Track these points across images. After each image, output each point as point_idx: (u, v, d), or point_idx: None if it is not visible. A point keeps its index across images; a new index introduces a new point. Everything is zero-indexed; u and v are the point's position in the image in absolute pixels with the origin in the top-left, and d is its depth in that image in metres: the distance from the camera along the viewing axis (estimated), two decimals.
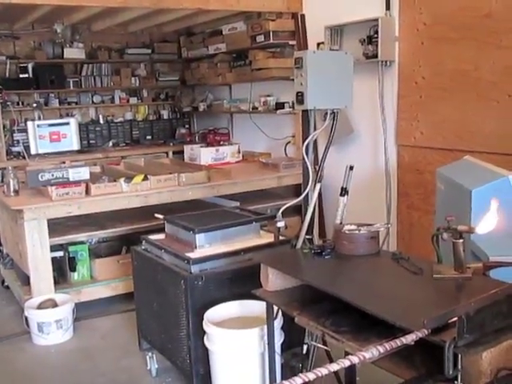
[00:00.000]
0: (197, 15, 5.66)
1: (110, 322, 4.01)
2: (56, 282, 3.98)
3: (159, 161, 5.66)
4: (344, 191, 2.68)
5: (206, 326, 2.58)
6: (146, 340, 3.33)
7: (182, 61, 7.20)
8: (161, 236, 3.24)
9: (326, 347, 2.48)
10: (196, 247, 2.93)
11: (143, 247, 3.22)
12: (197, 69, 6.78)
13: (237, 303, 2.75)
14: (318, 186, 2.66)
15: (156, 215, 3.34)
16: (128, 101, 7.14)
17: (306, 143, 2.69)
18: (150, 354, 3.22)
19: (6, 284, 4.66)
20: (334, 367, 1.36)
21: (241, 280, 2.76)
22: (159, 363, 3.22)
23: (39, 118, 6.35)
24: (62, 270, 4.19)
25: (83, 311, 3.97)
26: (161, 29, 6.66)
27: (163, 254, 3.00)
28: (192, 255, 2.84)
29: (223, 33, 6.01)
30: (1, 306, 4.33)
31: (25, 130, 5.98)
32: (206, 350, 2.64)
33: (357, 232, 2.28)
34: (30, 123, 5.92)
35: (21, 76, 6.29)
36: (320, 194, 2.72)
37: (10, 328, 3.89)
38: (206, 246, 2.95)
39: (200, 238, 2.94)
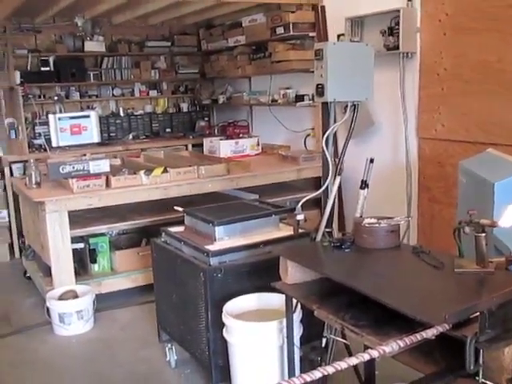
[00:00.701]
0: (216, 7, 5.64)
1: (130, 314, 4.04)
2: (77, 274, 4.02)
3: (179, 153, 5.68)
4: (364, 184, 2.66)
5: (225, 319, 2.59)
6: (165, 331, 3.36)
7: (201, 53, 7.19)
8: (180, 228, 3.25)
9: (345, 341, 2.47)
10: (215, 240, 2.93)
11: (163, 239, 3.24)
12: (216, 61, 6.77)
13: (255, 296, 2.75)
14: (337, 179, 2.65)
15: (176, 208, 3.36)
16: (148, 93, 7.16)
17: (325, 136, 2.67)
18: (169, 345, 3.24)
19: (27, 275, 4.72)
20: (354, 361, 1.35)
21: (259, 273, 2.76)
22: (178, 354, 3.24)
23: (60, 111, 6.40)
24: (83, 262, 4.23)
25: (103, 302, 4.01)
26: (181, 21, 6.66)
27: (183, 247, 3.01)
28: (211, 248, 2.85)
29: (243, 25, 5.98)
30: (23, 297, 4.39)
31: (46, 123, 6.02)
32: (225, 342, 2.65)
33: (377, 225, 2.27)
34: (51, 116, 5.97)
35: (42, 69, 6.33)
36: (340, 187, 2.70)
37: (31, 318, 3.95)
38: (225, 238, 2.96)
39: (219, 230, 2.95)
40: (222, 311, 2.64)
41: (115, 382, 3.15)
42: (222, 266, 2.76)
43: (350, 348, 2.60)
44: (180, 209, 3.30)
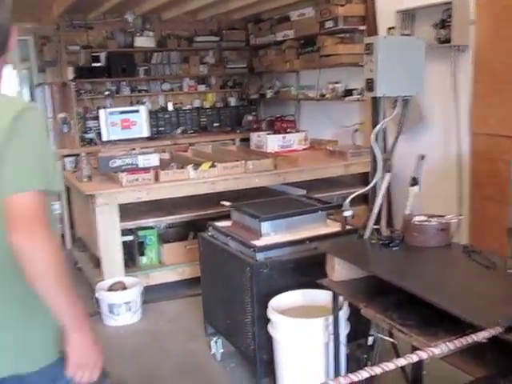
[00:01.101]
0: (265, 2, 5.63)
1: (177, 306, 4.10)
2: (126, 266, 4.10)
3: (226, 148, 5.71)
4: (414, 181, 2.61)
5: (271, 314, 2.59)
6: (211, 325, 3.39)
7: (249, 48, 7.19)
8: (227, 223, 3.26)
9: (392, 340, 2.43)
10: (261, 235, 2.94)
11: (210, 234, 3.26)
12: (264, 56, 6.76)
13: (301, 292, 2.74)
14: (387, 176, 2.60)
15: (223, 203, 3.38)
16: (196, 88, 7.21)
17: (375, 131, 2.63)
18: (214, 338, 3.27)
19: (78, 266, 4.84)
20: (402, 362, 1.32)
21: (305, 269, 2.75)
22: (224, 348, 3.26)
23: (111, 106, 6.54)
24: (132, 254, 4.31)
25: (151, 294, 4.07)
26: (229, 16, 6.68)
27: (229, 241, 3.02)
28: (257, 243, 2.85)
29: (291, 19, 5.95)
30: (73, 287, 4.50)
31: (97, 118, 6.17)
32: (270, 337, 2.65)
33: (427, 223, 2.22)
34: (102, 111, 6.11)
35: (94, 65, 6.47)
36: (388, 184, 2.66)
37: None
38: (272, 233, 2.96)
39: (266, 225, 2.95)
40: (267, 306, 2.64)
41: (162, 372, 3.21)
42: (267, 262, 2.76)
43: (397, 347, 2.56)
44: (227, 203, 3.31)
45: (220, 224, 3.25)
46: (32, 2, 5.03)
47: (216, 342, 3.26)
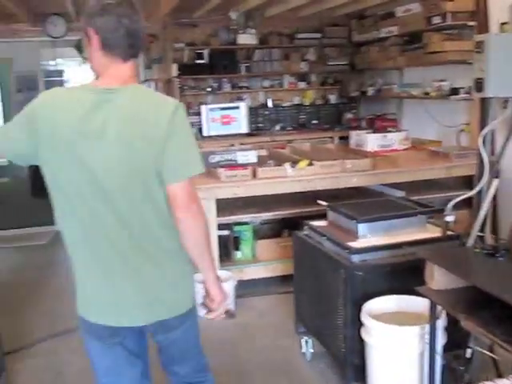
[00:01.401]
0: None
1: (268, 302, 4.12)
2: (221, 260, 4.17)
3: (324, 146, 5.66)
4: None
5: (365, 319, 2.53)
6: (302, 323, 3.37)
7: (351, 45, 7.09)
8: (322, 223, 3.23)
9: (493, 355, 2.30)
10: (358, 237, 2.88)
11: (305, 232, 3.25)
12: (367, 53, 6.63)
13: (396, 298, 2.66)
14: (495, 181, 2.45)
15: (319, 202, 3.34)
16: (296, 85, 7.22)
17: (482, 133, 2.49)
18: (305, 338, 3.25)
19: None
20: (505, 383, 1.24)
21: (402, 274, 2.66)
22: (314, 348, 3.24)
23: (212, 102, 6.69)
24: (227, 249, 4.38)
25: (244, 289, 4.12)
26: (331, 12, 6.60)
27: (324, 241, 2.99)
28: (353, 245, 2.80)
29: (396, 15, 5.79)
30: None
31: (198, 113, 6.33)
32: (362, 341, 2.60)
33: None
34: (203, 107, 6.26)
35: (197, 62, 6.65)
36: (496, 190, 2.52)
37: None
38: (368, 236, 2.89)
39: (362, 227, 2.88)
40: (360, 309, 2.59)
41: (252, 365, 3.25)
42: (363, 264, 2.70)
43: (498, 363, 2.42)
44: (323, 203, 3.28)
45: (315, 223, 3.22)
46: (143, 2, 5.23)
47: (306, 342, 3.25)
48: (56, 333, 3.68)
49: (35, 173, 6.87)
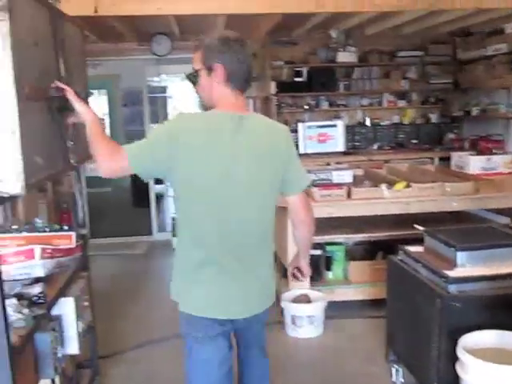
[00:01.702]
0: (474, 15, 5.29)
1: (359, 326, 4.02)
2: (311, 279, 4.12)
3: (423, 167, 5.47)
4: None
5: (461, 353, 2.39)
6: (393, 351, 3.26)
7: (455, 63, 6.83)
8: (419, 248, 3.11)
9: None
10: (456, 265, 2.73)
11: (399, 257, 3.14)
12: (472, 71, 6.37)
13: (496, 333, 2.49)
14: None
15: (416, 226, 3.23)
16: (396, 104, 7.07)
17: None
18: (396, 366, 3.14)
19: None
20: None
21: (504, 308, 2.51)
22: (405, 378, 3.11)
23: (309, 120, 6.69)
24: (318, 268, 4.33)
25: (334, 310, 4.05)
26: (434, 30, 6.40)
27: (420, 268, 2.88)
28: (451, 273, 2.66)
29: (506, 32, 5.52)
30: None
31: (295, 131, 6.34)
32: (457, 376, 2.46)
33: None
34: (300, 124, 6.28)
35: (295, 80, 6.69)
36: None
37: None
38: (468, 265, 2.74)
39: (462, 256, 2.74)
40: (456, 343, 2.45)
41: None
42: (461, 295, 2.57)
43: None
44: (420, 228, 3.16)
45: (411, 248, 3.11)
46: (244, 22, 5.36)
47: (397, 371, 3.13)
48: (149, 340, 3.80)
49: (136, 183, 7.15)
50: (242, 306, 2.04)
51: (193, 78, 2.03)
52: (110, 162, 1.90)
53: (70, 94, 2.05)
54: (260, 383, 2.34)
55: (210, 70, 1.96)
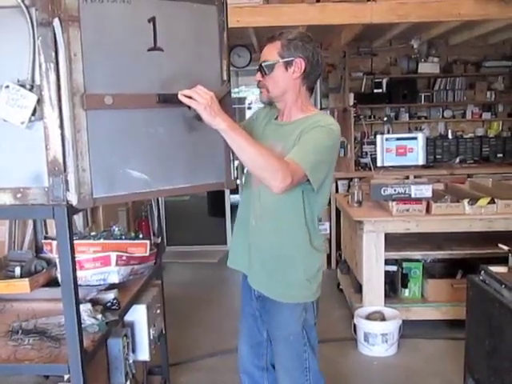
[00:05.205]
0: None
1: (435, 347, 3.86)
2: (386, 296, 4.01)
3: (509, 182, 5.19)
4: None
5: None
6: (471, 377, 3.08)
7: None
8: (503, 269, 2.93)
9: None
10: None
11: (481, 278, 2.98)
12: None
13: None
14: None
15: (500, 245, 3.05)
16: (481, 116, 6.78)
17: None
18: None
19: (340, 287, 4.92)
20: None
21: None
22: None
23: (388, 132, 6.53)
24: (394, 285, 4.19)
25: (409, 329, 3.91)
26: None
27: (503, 290, 2.70)
28: None
29: None
30: (333, 308, 4.57)
31: (373, 143, 6.21)
32: None
33: None
34: (379, 136, 6.09)
35: (375, 91, 6.56)
36: None
37: (338, 330, 4.08)
38: None
39: None
40: None
41: None
42: None
43: None
44: (505, 247, 2.99)
45: (494, 269, 2.93)
46: (324, 32, 5.33)
47: None
48: (220, 350, 3.81)
49: (213, 193, 7.22)
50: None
51: (268, 69, 1.99)
52: (291, 177, 1.81)
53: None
54: None
55: (288, 64, 1.95)
